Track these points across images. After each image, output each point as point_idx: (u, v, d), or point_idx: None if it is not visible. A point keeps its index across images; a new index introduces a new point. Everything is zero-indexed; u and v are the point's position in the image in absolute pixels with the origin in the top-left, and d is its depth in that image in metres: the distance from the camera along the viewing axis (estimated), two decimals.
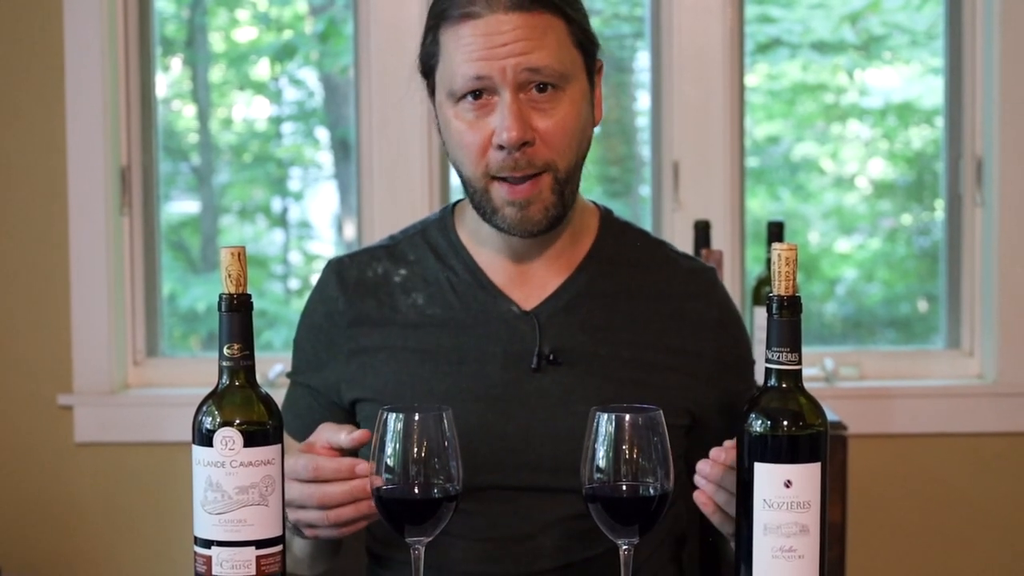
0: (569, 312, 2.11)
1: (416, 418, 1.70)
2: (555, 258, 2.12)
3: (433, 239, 2.17)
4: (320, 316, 2.18)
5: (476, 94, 1.98)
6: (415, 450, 1.70)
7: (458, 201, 2.21)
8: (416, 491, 1.71)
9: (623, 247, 2.18)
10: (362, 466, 1.81)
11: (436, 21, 2.02)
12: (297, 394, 2.20)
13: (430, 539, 1.74)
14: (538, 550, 2.06)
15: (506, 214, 2.02)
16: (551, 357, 2.07)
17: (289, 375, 2.24)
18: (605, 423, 1.69)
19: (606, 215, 2.21)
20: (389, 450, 1.70)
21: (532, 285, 2.12)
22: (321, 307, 2.18)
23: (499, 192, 2.01)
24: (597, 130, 2.17)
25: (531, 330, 2.09)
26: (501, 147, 1.97)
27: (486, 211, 2.04)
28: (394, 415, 1.71)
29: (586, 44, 2.05)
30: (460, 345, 2.09)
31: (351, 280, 2.16)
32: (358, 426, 2.14)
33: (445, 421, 1.71)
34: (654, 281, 2.16)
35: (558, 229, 2.09)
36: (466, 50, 1.97)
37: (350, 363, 2.13)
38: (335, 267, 2.19)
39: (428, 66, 2.07)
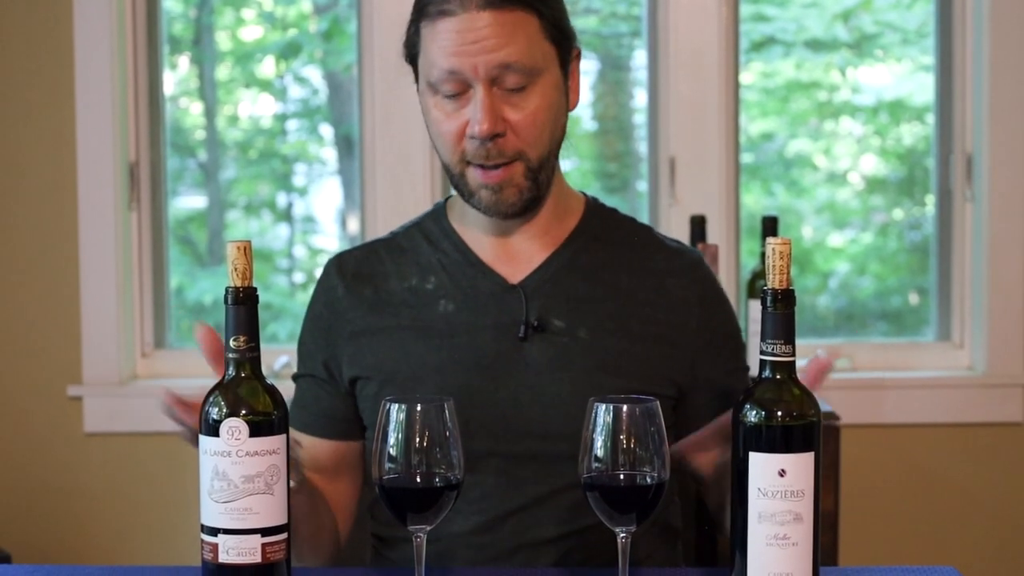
0: (555, 284, 2.16)
1: (418, 408, 1.71)
2: (540, 235, 2.19)
3: (427, 228, 2.25)
4: (321, 305, 2.24)
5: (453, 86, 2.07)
6: (417, 440, 1.71)
7: (450, 195, 2.28)
8: (418, 480, 1.72)
9: (608, 228, 2.25)
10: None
11: (418, 15, 2.10)
12: (303, 387, 2.26)
13: (432, 527, 1.76)
14: (535, 520, 2.11)
15: (481, 197, 2.10)
16: (537, 325, 2.13)
17: (294, 376, 2.29)
18: (603, 414, 1.69)
19: (592, 200, 2.28)
20: (392, 440, 1.71)
21: (519, 260, 2.18)
22: (323, 297, 2.25)
23: (474, 176, 2.09)
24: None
25: (518, 302, 2.14)
26: (474, 138, 2.06)
27: (464, 194, 2.12)
28: (396, 406, 1.71)
29: (559, 39, 2.12)
30: (451, 319, 2.15)
31: (350, 271, 2.23)
32: (357, 408, 2.21)
33: (447, 411, 1.72)
34: (638, 258, 2.21)
35: (538, 209, 2.17)
36: (441, 45, 2.05)
37: (349, 345, 2.19)
38: (335, 261, 2.27)
39: (411, 55, 2.14)
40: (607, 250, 2.21)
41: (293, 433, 2.16)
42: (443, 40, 2.05)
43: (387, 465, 1.72)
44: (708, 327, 2.19)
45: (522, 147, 2.07)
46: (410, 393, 2.05)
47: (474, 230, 2.20)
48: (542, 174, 2.11)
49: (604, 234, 2.23)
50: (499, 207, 2.10)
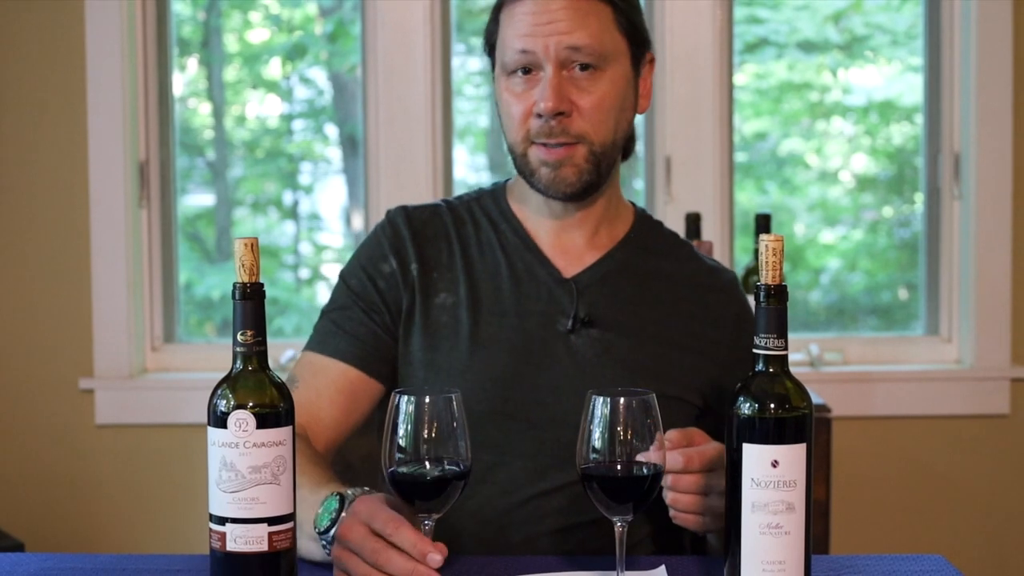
0: (604, 284, 2.22)
1: (427, 401, 1.74)
2: (593, 235, 2.24)
3: (486, 206, 2.30)
4: (387, 248, 2.26)
5: (525, 69, 2.14)
6: (426, 431, 1.73)
7: (509, 179, 2.34)
8: (427, 468, 1.74)
9: (655, 239, 2.31)
10: (435, 559, 1.74)
11: (499, 4, 2.19)
12: (345, 317, 2.25)
13: (440, 515, 1.77)
14: (552, 507, 2.15)
15: (541, 174, 2.15)
16: (586, 320, 2.18)
17: (327, 310, 2.28)
18: (601, 406, 1.70)
19: (642, 211, 2.34)
20: (401, 431, 1.73)
21: (572, 255, 2.24)
22: (387, 242, 2.27)
23: (536, 154, 2.15)
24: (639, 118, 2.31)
25: (569, 295, 2.20)
26: (540, 115, 2.11)
27: (525, 173, 2.18)
28: (406, 398, 1.73)
29: (633, 34, 2.18)
30: (503, 300, 2.20)
31: (417, 225, 2.28)
32: (391, 350, 2.21)
33: (454, 403, 1.74)
34: (682, 271, 2.28)
35: (595, 204, 2.23)
36: (516, 27, 2.13)
37: (408, 297, 2.22)
38: (402, 212, 2.30)
39: (490, 44, 2.22)
40: (654, 260, 2.27)
41: (315, 358, 2.20)
42: (518, 22, 2.13)
43: (397, 456, 1.74)
44: (739, 345, 2.21)
45: (586, 130, 2.12)
46: (455, 361, 2.14)
47: (533, 218, 2.25)
48: (604, 162, 2.15)
49: (651, 244, 2.29)
50: (557, 185, 2.15)
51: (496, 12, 2.20)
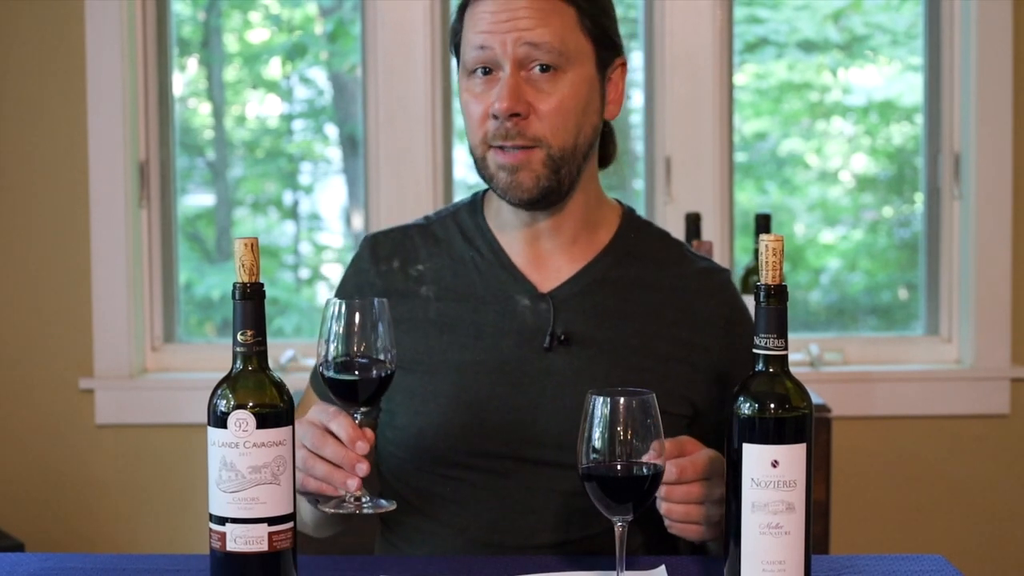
0: (584, 297, 2.15)
1: (355, 305, 1.88)
2: (569, 244, 2.19)
3: (462, 221, 2.26)
4: (352, 286, 2.25)
5: (486, 70, 2.10)
6: (357, 332, 1.87)
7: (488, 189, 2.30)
8: (355, 366, 1.87)
9: (641, 243, 2.24)
10: (362, 447, 1.89)
11: (464, 3, 2.15)
12: None
13: (368, 408, 1.90)
14: (539, 524, 2.12)
15: (499, 179, 2.11)
16: (563, 338, 2.12)
17: None
18: (601, 406, 1.70)
19: (628, 212, 2.28)
20: (332, 334, 1.87)
21: (550, 269, 2.19)
22: (354, 278, 2.26)
23: (494, 158, 2.10)
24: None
25: (546, 311, 2.14)
26: (495, 116, 2.06)
27: (485, 177, 2.14)
28: (336, 303, 1.88)
29: (600, 37, 2.14)
30: (478, 320, 2.15)
31: (383, 254, 2.25)
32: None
33: (376, 307, 1.87)
34: (669, 276, 2.21)
35: (568, 210, 2.17)
36: (477, 24, 2.08)
37: None
38: (370, 241, 2.28)
39: (455, 45, 2.18)
40: (638, 266, 2.20)
41: (309, 392, 2.24)
42: (479, 19, 2.09)
43: (329, 356, 1.88)
44: (732, 348, 2.17)
45: (543, 133, 2.07)
46: (429, 384, 2.13)
47: (509, 233, 2.20)
48: (564, 168, 2.10)
49: (637, 249, 2.23)
50: (514, 191, 2.09)
51: (461, 12, 2.16)
